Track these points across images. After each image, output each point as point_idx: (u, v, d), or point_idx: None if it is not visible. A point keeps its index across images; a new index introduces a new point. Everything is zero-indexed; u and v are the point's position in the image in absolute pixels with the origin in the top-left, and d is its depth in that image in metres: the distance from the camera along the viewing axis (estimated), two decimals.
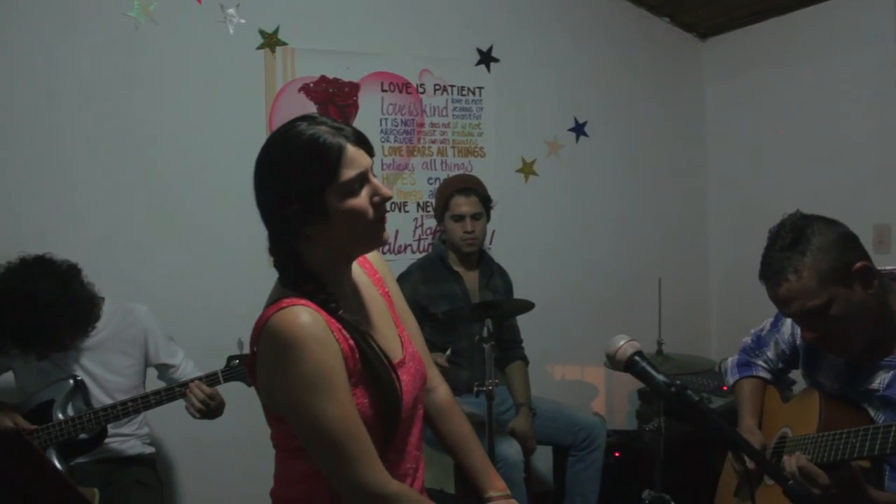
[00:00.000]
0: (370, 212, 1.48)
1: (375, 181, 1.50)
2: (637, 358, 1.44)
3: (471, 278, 3.23)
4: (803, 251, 1.73)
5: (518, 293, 3.34)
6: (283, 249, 1.51)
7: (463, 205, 3.14)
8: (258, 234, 3.37)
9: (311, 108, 3.38)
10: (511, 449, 2.90)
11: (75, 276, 2.45)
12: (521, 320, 3.38)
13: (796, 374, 2.18)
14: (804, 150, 3.78)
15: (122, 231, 3.13)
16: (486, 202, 3.21)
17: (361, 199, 1.47)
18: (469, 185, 3.20)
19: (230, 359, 2.45)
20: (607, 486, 3.27)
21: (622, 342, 1.47)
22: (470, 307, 2.98)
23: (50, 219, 3.02)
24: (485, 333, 2.68)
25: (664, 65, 4.21)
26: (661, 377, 1.41)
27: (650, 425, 3.05)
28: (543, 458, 3.54)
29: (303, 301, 1.44)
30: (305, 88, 3.37)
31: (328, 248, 1.51)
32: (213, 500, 3.20)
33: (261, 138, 3.30)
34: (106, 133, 3.09)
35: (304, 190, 1.44)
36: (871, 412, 1.80)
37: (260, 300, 3.31)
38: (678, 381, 1.37)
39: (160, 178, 3.17)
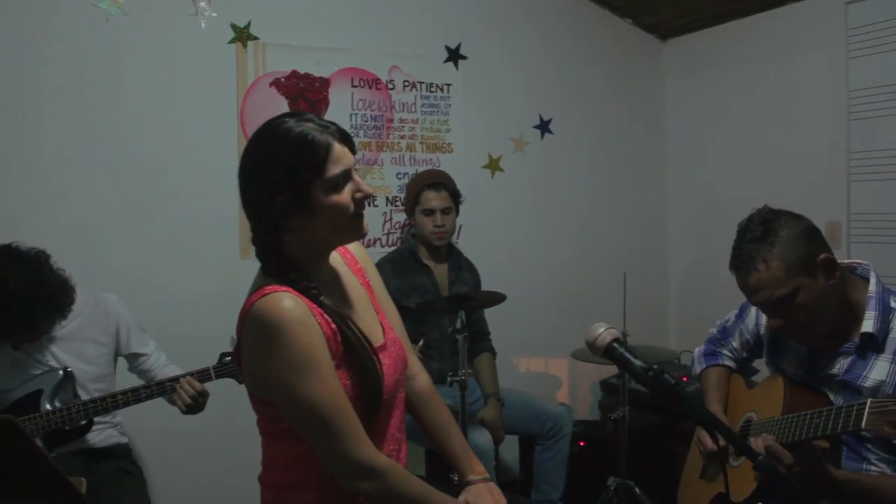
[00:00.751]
0: (352, 207, 1.55)
1: (357, 178, 1.57)
2: (615, 344, 1.52)
3: (440, 271, 3.29)
4: (772, 242, 1.83)
5: (485, 287, 3.41)
6: (266, 239, 1.56)
7: (433, 199, 3.20)
8: (230, 224, 3.43)
9: (281, 102, 3.40)
10: (482, 438, 2.97)
11: (44, 261, 2.43)
12: (489, 313, 3.46)
13: (759, 364, 2.29)
14: (760, 150, 3.91)
15: (95, 221, 3.11)
16: (455, 197, 3.28)
17: (344, 195, 1.54)
18: (439, 180, 3.27)
19: (222, 355, 2.45)
20: (573, 474, 3.37)
21: (601, 329, 1.54)
22: (444, 299, 3.05)
23: (20, 208, 2.99)
24: (458, 325, 2.75)
25: (626, 64, 4.32)
26: (638, 362, 1.48)
27: (615, 414, 3.16)
28: (510, 448, 3.62)
29: (285, 288, 1.49)
30: (277, 83, 3.39)
31: (310, 238, 1.56)
32: (186, 490, 3.21)
33: (233, 131, 3.37)
34: (78, 123, 3.07)
35: (292, 183, 1.50)
36: (831, 396, 1.91)
37: (231, 288, 3.38)
38: (655, 366, 1.45)
39: (133, 168, 3.16)
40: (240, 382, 2.34)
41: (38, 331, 2.42)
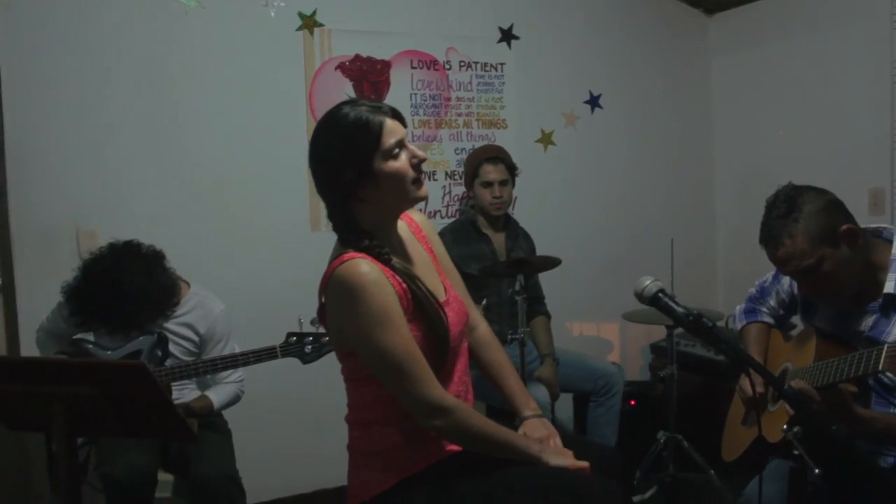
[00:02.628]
0: (410, 172, 1.79)
1: (411, 146, 1.81)
2: (660, 294, 1.73)
3: (498, 240, 3.51)
4: (796, 218, 2.00)
5: (540, 254, 3.62)
6: (340, 213, 1.81)
7: (491, 172, 3.42)
8: (301, 199, 3.67)
9: (346, 84, 3.64)
10: (539, 394, 3.20)
11: (159, 263, 2.59)
12: (543, 279, 3.67)
13: (795, 319, 2.47)
14: (804, 120, 4.03)
15: (172, 205, 3.35)
16: (511, 170, 3.49)
17: (402, 162, 1.78)
18: (497, 155, 3.48)
19: (289, 335, 2.60)
20: (624, 429, 3.57)
21: (648, 281, 1.75)
22: (503, 263, 3.27)
23: (106, 194, 3.24)
24: (517, 287, 2.98)
25: (672, 40, 4.46)
26: (680, 309, 1.69)
27: (664, 372, 3.35)
28: (564, 406, 3.84)
29: (360, 255, 1.74)
30: (342, 66, 3.63)
31: (378, 206, 1.81)
32: (264, 449, 3.46)
33: (302, 114, 3.63)
34: (156, 113, 3.31)
35: (355, 158, 1.75)
36: (859, 349, 2.08)
37: (301, 272, 3.70)
38: (695, 311, 1.66)
39: (210, 153, 3.40)
40: (304, 363, 2.60)
41: (141, 328, 2.61)
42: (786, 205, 2.03)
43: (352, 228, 1.81)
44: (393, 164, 1.77)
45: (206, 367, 2.67)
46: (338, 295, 1.74)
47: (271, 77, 3.50)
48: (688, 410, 3.52)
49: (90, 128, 3.22)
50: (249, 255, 3.48)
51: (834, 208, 2.03)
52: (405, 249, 1.91)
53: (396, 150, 1.77)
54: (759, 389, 2.23)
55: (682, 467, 3.33)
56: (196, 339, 2.79)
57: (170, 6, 3.30)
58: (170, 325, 2.74)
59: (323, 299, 1.83)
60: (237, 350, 2.80)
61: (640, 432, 3.62)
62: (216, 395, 2.81)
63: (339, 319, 1.77)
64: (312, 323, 2.48)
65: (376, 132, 1.75)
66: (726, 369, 3.74)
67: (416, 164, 1.80)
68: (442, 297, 1.89)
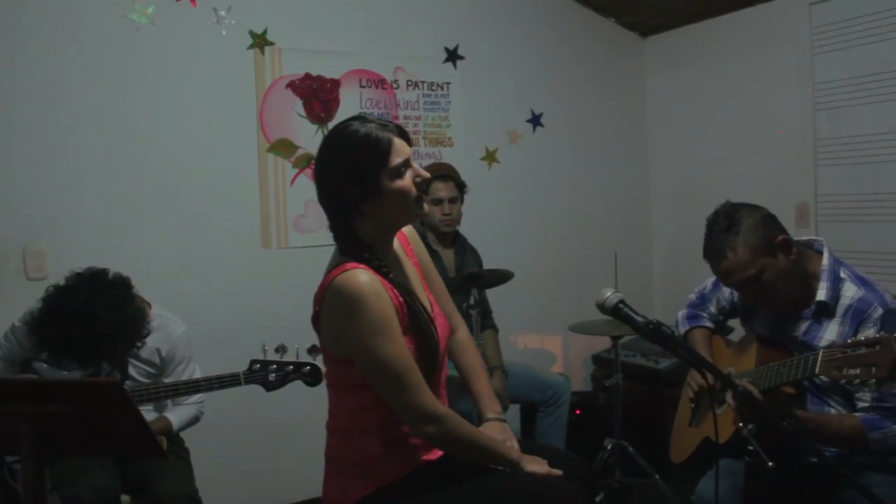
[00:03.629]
0: (413, 190, 1.86)
1: (415, 166, 1.89)
2: (621, 305, 1.84)
3: (447, 256, 3.60)
4: (737, 231, 2.15)
5: (486, 269, 3.72)
6: (342, 225, 1.87)
7: (441, 189, 3.50)
8: (252, 226, 3.69)
9: (296, 102, 3.69)
10: None
11: (128, 291, 2.52)
12: (490, 294, 3.77)
13: (733, 323, 2.64)
14: (735, 139, 4.25)
15: (125, 220, 3.33)
16: (461, 188, 3.58)
17: (406, 180, 1.85)
18: (447, 172, 3.57)
19: (252, 362, 2.57)
20: (571, 438, 3.68)
21: (609, 293, 1.86)
22: (459, 278, 3.35)
23: (58, 209, 3.21)
24: (472, 301, 3.07)
25: (610, 60, 4.65)
26: (640, 318, 1.80)
27: (609, 381, 3.48)
28: (512, 417, 3.93)
29: (361, 265, 1.80)
30: (292, 85, 3.68)
31: (379, 221, 1.88)
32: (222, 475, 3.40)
33: (253, 131, 3.67)
34: (108, 128, 3.29)
35: (362, 175, 1.81)
36: (795, 353, 2.24)
37: (254, 278, 3.68)
38: (654, 320, 1.77)
39: (160, 167, 3.40)
40: (267, 390, 2.57)
41: (116, 361, 2.57)
42: (726, 220, 2.18)
43: (352, 240, 1.87)
44: (398, 183, 1.83)
45: (167, 392, 2.65)
46: (337, 303, 1.80)
47: (223, 94, 3.52)
48: (632, 418, 3.66)
49: (39, 144, 3.19)
50: (201, 272, 3.48)
51: (769, 222, 2.19)
52: (400, 264, 1.99)
53: (402, 169, 1.84)
54: (711, 379, 2.37)
55: (628, 473, 3.46)
56: (157, 361, 2.76)
57: (121, 23, 3.30)
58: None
59: (317, 307, 1.89)
60: (198, 371, 2.80)
61: (586, 440, 3.74)
62: (175, 417, 2.78)
63: (337, 327, 1.83)
64: (277, 350, 2.51)
65: (385, 150, 1.81)
66: (666, 378, 3.90)
67: (420, 183, 1.87)
68: (431, 312, 1.96)
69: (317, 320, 1.89)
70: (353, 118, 1.89)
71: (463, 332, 2.21)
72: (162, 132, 3.41)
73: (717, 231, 2.19)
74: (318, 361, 2.46)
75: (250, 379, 2.56)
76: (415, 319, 1.86)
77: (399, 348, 1.79)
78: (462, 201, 3.62)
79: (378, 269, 1.84)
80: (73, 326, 2.37)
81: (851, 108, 3.64)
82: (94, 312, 2.37)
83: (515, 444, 2.02)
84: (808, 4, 3.77)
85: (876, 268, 3.32)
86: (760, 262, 2.13)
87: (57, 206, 3.22)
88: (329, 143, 1.88)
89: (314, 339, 2.14)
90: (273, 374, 2.55)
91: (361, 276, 1.78)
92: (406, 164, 1.85)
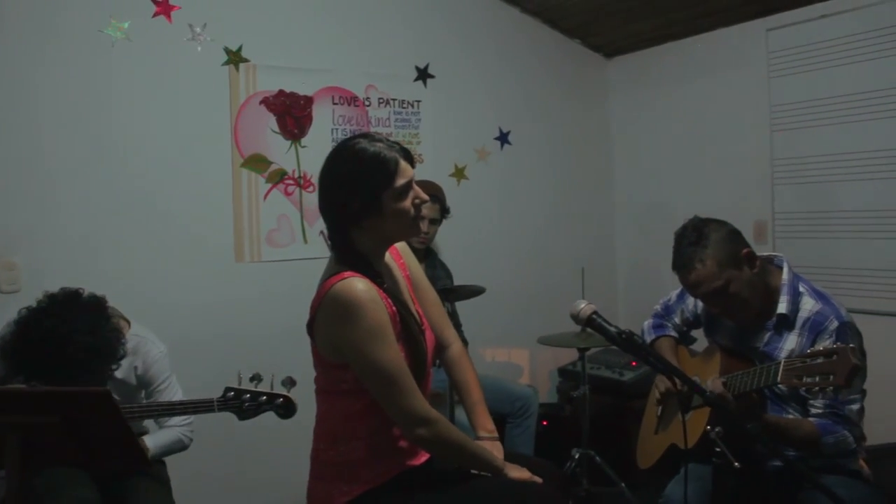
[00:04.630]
0: (412, 211, 1.95)
1: (416, 188, 1.97)
2: (594, 316, 1.93)
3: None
4: (705, 245, 2.27)
5: (456, 284, 3.80)
6: (341, 235, 1.95)
7: (426, 209, 3.55)
8: (226, 240, 3.70)
9: (270, 118, 3.74)
10: (463, 415, 3.35)
11: (102, 312, 2.47)
12: (460, 308, 3.84)
13: (695, 333, 2.76)
14: (695, 159, 4.40)
15: (98, 233, 3.32)
16: (444, 212, 3.68)
17: (407, 202, 1.94)
18: (436, 194, 3.66)
19: (227, 389, 2.52)
20: (539, 448, 3.77)
21: (582, 304, 1.95)
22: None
23: (31, 221, 3.21)
24: None
25: (576, 80, 4.78)
26: (613, 328, 1.89)
27: (576, 393, 3.58)
28: None
29: (357, 274, 1.88)
30: (266, 101, 3.73)
31: (376, 236, 1.97)
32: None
33: (227, 146, 3.69)
34: (83, 141, 3.30)
35: (367, 192, 1.89)
36: (756, 363, 2.35)
37: (228, 297, 3.69)
38: (626, 330, 1.87)
39: (134, 182, 3.41)
40: (240, 419, 2.52)
41: (86, 384, 2.43)
42: (694, 234, 2.29)
43: (349, 250, 1.95)
44: (401, 203, 1.92)
45: (142, 412, 2.64)
46: (335, 309, 1.86)
47: (197, 110, 3.56)
48: (597, 429, 3.76)
49: (12, 156, 3.18)
50: (175, 285, 3.50)
51: (735, 236, 2.32)
52: (392, 275, 2.06)
53: (406, 190, 1.92)
54: (680, 386, 2.47)
55: (595, 482, 3.55)
56: (133, 381, 2.72)
57: (97, 38, 3.32)
58: None
59: (314, 313, 1.94)
60: (180, 392, 2.78)
61: (553, 450, 3.82)
62: (152, 442, 2.69)
63: (334, 332, 1.89)
64: (252, 379, 2.51)
65: (392, 171, 1.89)
66: (631, 390, 4.01)
67: (419, 205, 1.96)
68: (420, 322, 2.04)
69: (311, 326, 1.95)
70: (363, 135, 1.97)
71: (458, 347, 2.28)
72: (136, 146, 3.43)
73: (686, 244, 2.30)
74: (293, 394, 2.50)
75: (224, 406, 2.53)
76: (406, 328, 1.94)
77: (394, 353, 1.87)
78: (440, 224, 3.71)
79: (373, 279, 1.91)
80: (45, 350, 2.33)
81: (807, 130, 3.80)
82: (67, 336, 2.33)
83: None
84: (765, 30, 3.94)
85: (828, 282, 3.46)
86: (727, 273, 2.24)
87: (30, 219, 3.22)
88: (337, 156, 1.96)
89: (286, 359, 2.19)
90: (247, 404, 2.51)
91: (359, 284, 1.85)
92: (409, 185, 1.94)
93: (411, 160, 1.97)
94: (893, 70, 3.44)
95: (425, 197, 1.98)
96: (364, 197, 1.89)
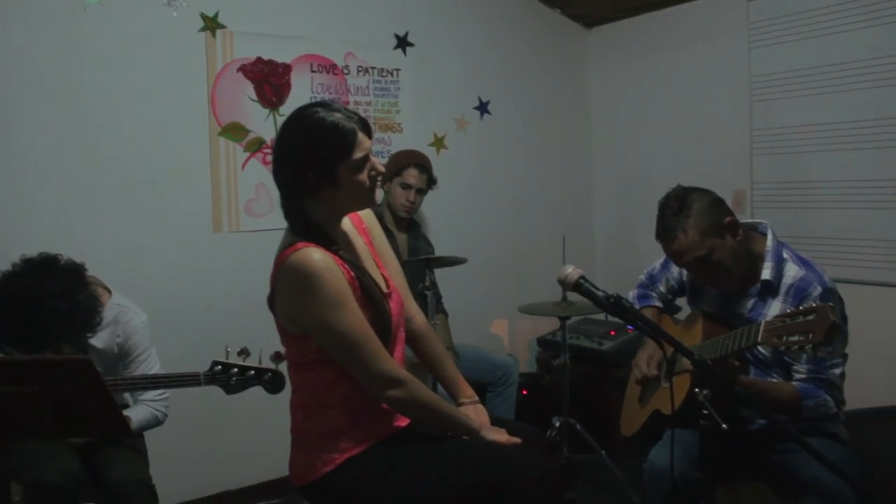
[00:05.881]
0: (368, 182, 1.93)
1: (374, 159, 1.94)
2: (582, 280, 1.93)
3: (401, 239, 3.66)
4: (687, 214, 2.27)
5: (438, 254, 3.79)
6: (294, 205, 1.92)
7: (414, 177, 3.60)
8: (203, 210, 3.65)
9: (248, 86, 3.67)
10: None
11: (79, 278, 2.43)
12: (442, 277, 3.84)
13: (680, 302, 2.77)
14: (675, 128, 4.40)
15: (72, 206, 3.26)
16: (430, 182, 3.66)
17: (364, 174, 1.91)
18: (423, 163, 3.68)
19: (214, 363, 2.49)
20: (519, 417, 3.78)
21: (570, 269, 1.95)
22: (416, 260, 3.42)
23: (4, 192, 3.14)
24: (427, 282, 3.14)
25: (555, 50, 4.76)
26: (600, 292, 1.89)
27: (557, 361, 3.59)
28: None
29: (311, 244, 1.85)
30: (243, 69, 3.66)
31: (332, 206, 1.94)
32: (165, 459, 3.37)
33: (204, 115, 3.62)
34: (57, 110, 3.23)
35: (324, 163, 1.86)
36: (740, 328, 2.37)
37: (206, 267, 3.65)
38: (614, 294, 1.87)
39: (110, 151, 3.34)
40: (227, 393, 2.49)
41: (59, 351, 2.44)
42: (677, 203, 2.29)
43: (303, 220, 1.92)
44: (357, 176, 1.90)
45: (126, 385, 2.60)
46: (292, 281, 1.84)
47: (174, 77, 3.49)
48: (577, 398, 3.78)
49: None
50: (152, 256, 3.45)
51: (718, 205, 2.32)
52: (348, 242, 2.03)
53: (362, 163, 1.89)
54: (654, 372, 2.49)
55: (575, 450, 3.57)
56: (115, 351, 2.70)
57: (70, 3, 3.24)
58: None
59: (272, 287, 1.93)
60: (158, 364, 2.76)
61: (534, 419, 3.84)
62: (134, 415, 2.67)
63: (293, 304, 1.87)
64: (240, 354, 2.48)
65: (350, 143, 1.86)
66: (610, 359, 4.04)
67: (374, 177, 1.93)
68: (384, 288, 2.02)
69: (272, 300, 1.93)
70: (320, 104, 1.93)
71: (420, 320, 2.26)
72: (111, 114, 3.36)
73: (669, 214, 2.30)
74: (282, 368, 2.43)
75: (210, 381, 2.50)
76: (366, 294, 1.92)
77: (357, 318, 1.85)
78: (426, 194, 3.70)
79: (327, 248, 1.89)
80: (17, 314, 2.31)
81: (786, 100, 3.81)
82: (39, 300, 2.31)
83: (488, 424, 2.08)
84: (745, 1, 3.93)
85: (805, 252, 3.48)
86: (710, 242, 2.25)
87: (2, 190, 3.15)
88: (293, 125, 1.92)
89: (263, 331, 2.16)
90: (234, 378, 2.49)
91: (314, 254, 1.83)
92: (367, 158, 1.91)
93: (369, 132, 1.94)
94: (872, 40, 3.45)
95: (381, 169, 1.96)
96: (321, 169, 1.87)
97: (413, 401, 1.92)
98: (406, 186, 3.60)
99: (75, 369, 1.83)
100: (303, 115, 1.91)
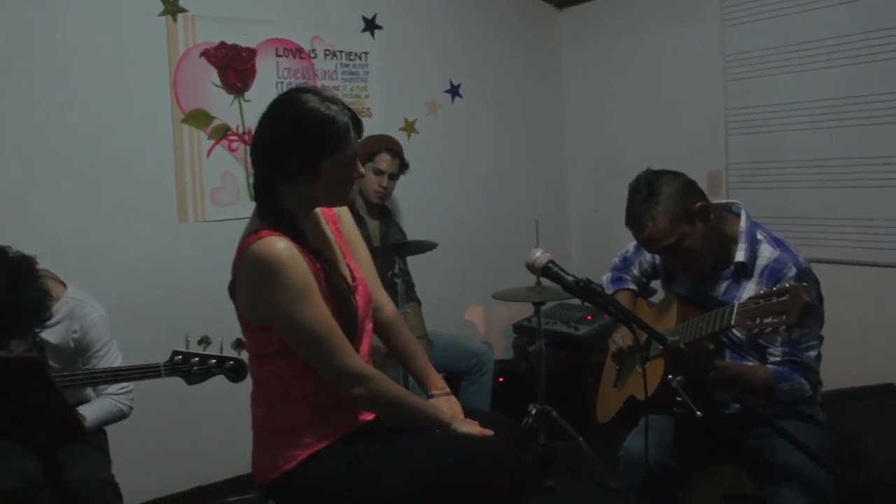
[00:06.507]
0: (348, 182, 1.87)
1: (357, 162, 1.88)
2: (550, 264, 1.87)
3: (373, 226, 3.59)
4: (657, 201, 2.21)
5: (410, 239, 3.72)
6: (267, 189, 1.84)
7: (386, 162, 3.53)
8: (167, 190, 3.56)
9: (211, 72, 3.57)
10: None
11: (28, 271, 2.32)
12: (414, 264, 3.78)
13: (655, 284, 2.72)
14: (649, 109, 4.35)
15: (32, 190, 3.16)
16: (402, 167, 3.59)
17: (346, 172, 1.85)
18: (396, 148, 3.62)
19: (174, 353, 2.40)
20: (495, 405, 3.73)
21: (538, 253, 1.89)
22: (385, 246, 3.36)
23: None
24: (396, 270, 3.07)
25: (527, 32, 4.68)
26: (570, 277, 1.83)
27: (532, 347, 3.54)
28: None
29: (277, 233, 1.78)
30: (206, 54, 3.56)
31: (306, 197, 1.87)
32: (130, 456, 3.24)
33: (167, 101, 3.50)
34: (13, 93, 3.11)
35: (310, 155, 1.79)
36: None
37: (170, 253, 3.53)
38: (584, 279, 1.81)
39: (70, 137, 3.23)
40: (189, 384, 2.39)
41: (4, 348, 2.34)
42: (647, 189, 2.23)
43: (273, 204, 1.85)
44: (340, 173, 1.83)
45: (84, 379, 2.51)
46: (254, 271, 1.77)
47: (134, 62, 3.37)
48: (554, 384, 3.74)
49: None
50: (113, 247, 3.34)
51: (688, 189, 2.26)
52: (316, 231, 1.96)
53: (348, 161, 1.83)
54: (628, 344, 2.44)
55: (552, 437, 3.53)
56: (71, 346, 2.60)
57: None
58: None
59: (234, 275, 1.86)
60: (119, 358, 2.67)
61: (510, 407, 3.80)
62: (89, 411, 2.57)
63: (254, 295, 1.80)
64: (200, 342, 2.41)
65: (341, 139, 1.80)
66: (587, 344, 3.99)
67: (354, 177, 1.88)
68: (350, 281, 1.95)
69: (234, 288, 1.86)
70: (315, 92, 1.85)
71: (390, 310, 2.19)
72: (68, 100, 3.24)
73: (638, 200, 2.24)
74: (244, 356, 2.35)
75: (171, 371, 2.40)
76: (331, 286, 1.85)
77: (320, 311, 1.78)
78: (398, 179, 3.63)
79: (295, 237, 1.82)
80: None
81: (761, 79, 3.76)
82: None
83: (461, 415, 2.03)
84: None
85: (781, 232, 3.46)
86: (679, 229, 2.20)
87: None
88: (287, 108, 1.84)
89: (235, 321, 2.09)
90: (196, 368, 2.39)
91: (278, 243, 1.76)
92: (354, 157, 1.84)
93: (360, 131, 1.87)
94: (846, 17, 3.41)
95: (362, 172, 1.91)
96: (305, 158, 1.79)
97: (377, 398, 1.85)
98: (378, 172, 3.53)
99: (22, 368, 1.75)
100: (295, 101, 1.83)
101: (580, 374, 3.96)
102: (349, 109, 1.85)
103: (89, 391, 2.73)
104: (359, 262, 2.07)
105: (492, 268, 4.33)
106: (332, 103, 1.82)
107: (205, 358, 2.40)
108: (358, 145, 1.85)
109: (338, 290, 1.86)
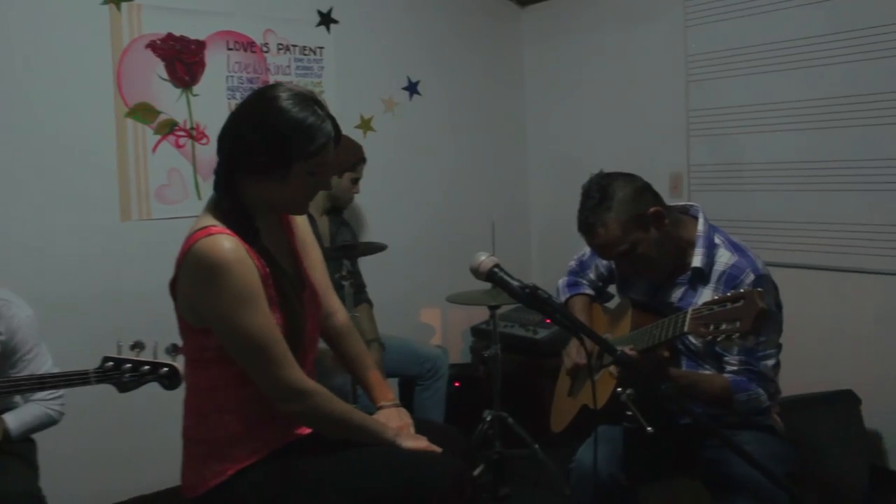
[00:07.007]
0: (311, 190, 1.77)
1: (327, 173, 1.79)
2: (496, 269, 1.77)
3: (323, 224, 3.47)
4: (608, 206, 2.12)
5: (362, 241, 3.62)
6: (230, 179, 1.74)
7: (362, 171, 3.52)
8: (110, 187, 3.41)
9: (158, 64, 3.43)
10: None
11: None
12: (367, 266, 3.66)
13: (612, 289, 2.64)
14: (611, 110, 4.28)
15: None
16: None
17: (313, 180, 1.75)
18: (363, 155, 3.57)
19: (105, 360, 2.29)
20: (450, 411, 3.64)
21: (483, 257, 1.80)
22: (331, 248, 3.24)
23: None
24: (344, 272, 2.96)
25: (487, 29, 4.59)
26: (515, 283, 1.74)
27: (487, 352, 3.45)
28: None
29: (227, 231, 1.66)
30: (152, 45, 3.41)
31: (265, 197, 1.76)
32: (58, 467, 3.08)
33: (109, 94, 3.34)
34: None
35: (283, 156, 1.69)
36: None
37: (110, 251, 3.37)
38: (530, 284, 1.71)
39: (7, 131, 3.09)
40: (121, 391, 2.28)
41: None
42: (598, 193, 2.15)
43: (231, 196, 1.75)
44: (307, 180, 1.74)
45: (6, 387, 2.33)
46: (197, 269, 1.66)
47: (74, 54, 3.22)
48: (511, 389, 3.65)
49: None
50: (50, 247, 3.19)
51: (642, 194, 2.18)
52: (272, 233, 1.86)
53: (319, 170, 1.74)
54: (582, 361, 2.35)
55: (508, 444, 3.44)
56: None
57: None
58: None
59: (176, 272, 1.75)
60: (50, 361, 2.53)
61: (465, 413, 3.71)
62: (15, 417, 2.42)
63: (195, 295, 1.69)
64: (133, 348, 2.29)
65: (318, 147, 1.71)
66: (545, 348, 3.91)
67: (317, 190, 1.79)
68: (301, 288, 1.84)
69: (175, 286, 1.74)
70: (299, 93, 1.74)
71: (342, 317, 2.09)
72: (5, 91, 3.08)
73: (590, 205, 2.16)
74: (178, 362, 2.24)
75: (102, 378, 2.27)
76: (280, 292, 1.75)
77: (264, 319, 1.67)
78: None
79: (248, 236, 1.71)
80: None
81: (723, 80, 3.71)
82: None
83: (412, 429, 1.94)
84: None
85: (742, 235, 3.38)
86: (632, 236, 2.12)
87: None
88: (270, 103, 1.72)
89: (176, 329, 1.97)
90: (128, 375, 2.26)
91: (225, 242, 1.65)
92: (325, 167, 1.76)
93: (338, 141, 1.78)
94: (810, 19, 3.36)
95: (329, 186, 1.84)
96: (276, 158, 1.70)
97: (317, 415, 1.75)
98: (356, 181, 3.52)
99: None
100: (278, 99, 1.72)
101: (537, 378, 3.88)
102: (332, 118, 1.76)
103: (18, 398, 2.58)
104: (312, 267, 1.96)
105: (449, 270, 4.22)
106: (318, 106, 1.74)
107: (137, 364, 2.27)
108: (332, 157, 1.77)
109: (286, 298, 1.75)
